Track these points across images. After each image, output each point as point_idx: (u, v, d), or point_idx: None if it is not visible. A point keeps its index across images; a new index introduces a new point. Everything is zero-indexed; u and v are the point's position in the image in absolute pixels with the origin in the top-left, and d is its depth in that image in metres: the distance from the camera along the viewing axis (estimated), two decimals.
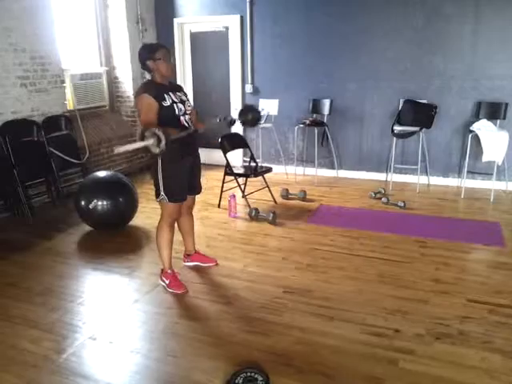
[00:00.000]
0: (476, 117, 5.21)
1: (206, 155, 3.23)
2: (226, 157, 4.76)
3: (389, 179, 5.61)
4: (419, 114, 5.26)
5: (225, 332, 2.66)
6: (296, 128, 5.92)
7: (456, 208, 4.83)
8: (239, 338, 2.58)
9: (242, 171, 5.01)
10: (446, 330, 2.60)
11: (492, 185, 5.01)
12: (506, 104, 5.06)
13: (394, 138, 5.45)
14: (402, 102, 5.44)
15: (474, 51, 5.13)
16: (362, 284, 3.17)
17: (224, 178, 4.85)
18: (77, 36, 5.79)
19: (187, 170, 3.07)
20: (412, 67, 5.42)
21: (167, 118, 2.84)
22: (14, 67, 4.68)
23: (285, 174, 6.11)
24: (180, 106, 2.94)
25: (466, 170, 5.17)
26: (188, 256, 3.50)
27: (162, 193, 2.98)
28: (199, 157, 3.21)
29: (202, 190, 3.36)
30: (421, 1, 5.21)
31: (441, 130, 5.42)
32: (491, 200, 4.92)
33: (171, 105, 2.88)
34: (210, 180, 5.48)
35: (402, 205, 4.72)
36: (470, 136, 5.06)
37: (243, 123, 3.33)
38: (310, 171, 6.07)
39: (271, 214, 4.37)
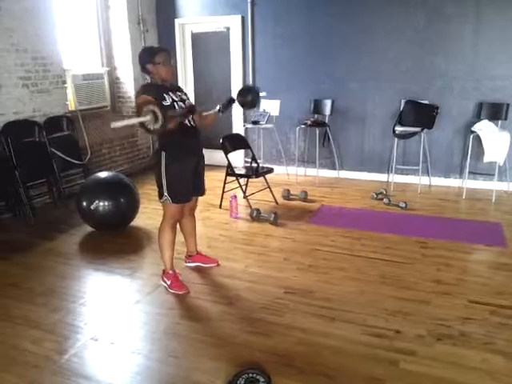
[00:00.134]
0: (477, 117, 5.20)
1: (208, 156, 3.23)
2: (227, 157, 4.77)
3: (390, 180, 5.61)
4: (421, 115, 5.26)
5: (226, 333, 2.66)
6: (297, 128, 5.92)
7: (457, 209, 4.83)
8: (241, 339, 2.58)
9: (243, 172, 5.00)
10: (447, 331, 2.60)
11: (493, 185, 5.01)
12: (508, 104, 5.06)
13: (396, 139, 5.45)
14: (403, 102, 5.44)
15: (475, 52, 5.13)
16: (363, 285, 3.17)
17: (225, 179, 4.85)
18: (78, 37, 5.80)
19: (191, 170, 3.07)
20: (413, 68, 5.41)
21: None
22: (16, 68, 4.69)
23: (286, 174, 6.11)
24: (180, 104, 2.94)
25: (467, 170, 5.16)
26: (189, 257, 3.51)
27: (166, 193, 2.98)
28: (203, 157, 3.19)
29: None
30: (422, 1, 5.21)
31: (442, 130, 5.41)
32: (493, 200, 4.92)
33: (171, 104, 2.88)
34: (211, 181, 5.45)
35: (404, 205, 4.72)
36: (471, 136, 5.06)
37: (242, 104, 3.22)
38: (312, 172, 6.07)
39: (272, 215, 4.37)
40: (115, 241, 4.06)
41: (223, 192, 4.88)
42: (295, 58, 5.93)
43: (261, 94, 3.25)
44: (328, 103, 5.79)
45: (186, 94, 3.08)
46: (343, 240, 3.95)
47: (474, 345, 2.48)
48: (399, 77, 5.50)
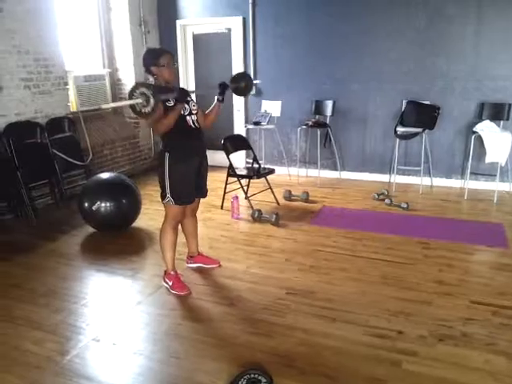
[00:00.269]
0: (479, 118, 5.20)
1: (209, 156, 3.23)
2: (228, 158, 4.77)
3: (392, 180, 5.60)
4: (422, 115, 5.26)
5: (228, 333, 2.66)
6: (299, 129, 5.92)
7: (459, 209, 4.82)
8: (242, 340, 2.58)
9: (244, 173, 5.00)
10: (449, 332, 2.59)
11: (495, 186, 5.00)
12: (510, 105, 5.05)
13: (397, 139, 5.45)
14: (404, 103, 5.44)
15: (476, 52, 5.12)
16: (365, 285, 3.17)
17: (227, 180, 4.85)
18: (80, 38, 5.81)
19: (194, 171, 3.07)
20: (415, 68, 5.41)
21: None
22: (18, 69, 4.70)
23: (287, 175, 6.10)
24: (185, 105, 2.95)
25: (469, 171, 5.15)
26: (191, 257, 3.51)
27: (169, 195, 2.99)
28: (207, 158, 3.20)
29: None
30: (423, 2, 5.21)
31: (444, 131, 5.41)
32: (494, 201, 4.91)
33: (175, 105, 2.89)
34: (212, 181, 5.44)
35: (405, 206, 4.71)
36: (473, 137, 5.05)
37: (235, 90, 3.23)
38: (313, 172, 6.07)
39: (274, 216, 4.37)
40: (117, 242, 4.07)
41: (225, 193, 4.88)
42: (296, 59, 5.93)
43: (255, 82, 3.25)
44: (329, 104, 5.79)
45: (190, 96, 3.09)
46: (345, 241, 3.95)
47: (476, 345, 2.47)
48: (401, 77, 5.50)
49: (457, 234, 4.07)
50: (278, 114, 5.98)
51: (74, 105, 5.53)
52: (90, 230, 4.28)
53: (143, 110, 2.54)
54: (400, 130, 5.37)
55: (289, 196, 5.16)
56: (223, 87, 3.11)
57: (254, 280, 3.28)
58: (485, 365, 2.32)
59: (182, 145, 2.96)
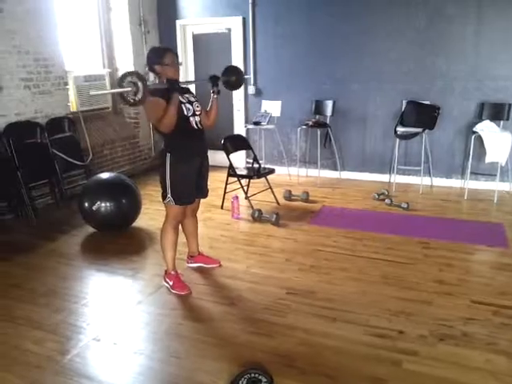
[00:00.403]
0: (479, 118, 5.20)
1: (210, 156, 3.23)
2: (229, 158, 4.77)
3: (392, 180, 5.61)
4: (422, 115, 5.26)
5: (228, 333, 2.66)
6: (299, 129, 5.92)
7: (459, 209, 4.82)
8: (243, 339, 2.58)
9: (244, 172, 5.01)
10: (449, 332, 2.59)
11: (495, 186, 5.00)
12: (510, 105, 5.05)
13: (397, 139, 5.45)
14: (404, 103, 5.44)
15: (476, 52, 5.13)
16: (365, 285, 3.17)
17: (227, 180, 4.85)
18: (80, 38, 5.81)
19: (195, 171, 3.07)
20: (415, 68, 5.41)
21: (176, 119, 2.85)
22: (18, 69, 4.70)
23: (287, 175, 6.10)
24: (188, 106, 2.95)
25: (469, 171, 5.15)
26: (191, 257, 3.51)
27: (169, 195, 2.99)
28: (208, 158, 3.20)
29: None
30: (423, 2, 5.21)
31: (444, 131, 5.41)
32: (495, 201, 4.91)
33: (179, 105, 2.89)
34: (213, 181, 5.44)
35: (406, 206, 4.71)
36: (473, 137, 5.06)
37: (225, 84, 3.25)
38: (313, 172, 6.07)
39: (274, 216, 4.37)
40: (117, 242, 4.06)
41: (225, 193, 4.88)
42: (296, 59, 5.94)
43: (245, 77, 3.29)
44: (329, 104, 5.79)
45: (194, 96, 3.08)
46: (345, 240, 3.95)
47: (476, 345, 2.47)
48: (400, 77, 5.50)
49: (457, 233, 4.07)
50: (278, 114, 5.98)
51: (73, 105, 5.53)
52: (90, 229, 4.28)
53: (132, 99, 2.55)
54: (400, 129, 5.37)
55: (289, 196, 5.16)
56: (214, 79, 3.12)
57: (255, 280, 3.28)
58: (485, 364, 2.32)
59: (183, 145, 2.96)
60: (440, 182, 5.58)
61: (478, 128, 5.04)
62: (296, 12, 5.79)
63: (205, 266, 3.49)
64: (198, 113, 3.02)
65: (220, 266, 3.50)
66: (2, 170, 4.46)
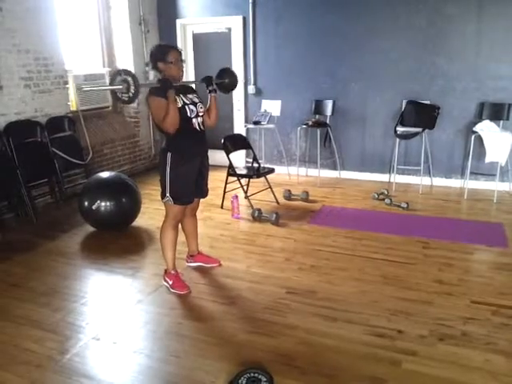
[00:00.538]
0: (479, 117, 5.20)
1: (210, 156, 3.23)
2: (228, 158, 4.77)
3: (391, 180, 5.61)
4: (422, 115, 5.26)
5: (228, 332, 2.66)
6: (298, 129, 5.92)
7: (459, 209, 4.82)
8: (242, 339, 2.58)
9: (244, 172, 5.00)
10: (449, 331, 2.60)
11: (495, 186, 5.00)
12: (510, 105, 5.05)
13: (397, 139, 5.45)
14: (404, 102, 5.44)
15: (477, 52, 5.13)
16: (365, 285, 3.17)
17: (227, 179, 4.85)
18: (80, 37, 5.80)
19: (196, 171, 3.07)
20: (415, 68, 5.41)
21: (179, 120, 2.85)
22: (18, 68, 4.70)
23: (287, 174, 6.11)
24: (192, 107, 2.95)
25: (468, 170, 5.15)
26: (191, 257, 3.51)
27: (168, 194, 2.99)
28: (208, 157, 3.20)
29: None
30: (423, 1, 5.21)
31: (444, 130, 5.41)
32: (494, 201, 4.91)
33: (183, 106, 2.89)
34: (212, 181, 5.44)
35: (405, 206, 4.71)
36: (472, 137, 5.06)
37: (219, 86, 3.26)
38: (313, 172, 6.07)
39: (274, 215, 4.37)
40: (117, 241, 4.06)
41: (224, 192, 4.88)
42: (296, 59, 5.93)
43: (238, 80, 3.32)
44: (329, 103, 5.79)
45: (198, 97, 3.07)
46: (345, 240, 3.95)
47: (476, 345, 2.47)
48: (400, 77, 5.50)
49: (457, 233, 4.08)
50: (278, 114, 5.98)
51: (73, 104, 5.53)
52: (90, 229, 4.28)
53: (123, 97, 2.57)
54: (400, 129, 5.37)
55: (289, 195, 5.16)
56: (208, 80, 3.13)
57: (255, 279, 3.28)
58: (485, 364, 2.32)
59: (184, 146, 2.95)
60: (440, 181, 5.58)
61: (478, 128, 5.04)
62: (296, 12, 5.78)
63: (204, 265, 3.49)
64: (200, 114, 3.02)
65: (220, 265, 3.51)
66: (2, 169, 4.46)
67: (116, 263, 3.61)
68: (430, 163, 5.53)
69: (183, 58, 3.06)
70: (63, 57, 5.23)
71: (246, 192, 4.87)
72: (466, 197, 5.07)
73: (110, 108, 6.27)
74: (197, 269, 3.46)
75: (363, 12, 5.49)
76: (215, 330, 2.70)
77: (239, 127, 6.45)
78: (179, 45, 6.51)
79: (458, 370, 2.29)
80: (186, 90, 3.05)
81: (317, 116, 5.89)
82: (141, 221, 4.42)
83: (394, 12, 5.36)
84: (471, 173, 5.20)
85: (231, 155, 4.82)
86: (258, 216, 4.45)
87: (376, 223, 4.40)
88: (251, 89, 6.26)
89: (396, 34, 5.41)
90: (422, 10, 5.23)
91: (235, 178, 4.82)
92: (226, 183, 4.86)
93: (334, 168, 6.06)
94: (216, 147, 5.02)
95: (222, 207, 4.86)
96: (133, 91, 2.56)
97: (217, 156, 5.45)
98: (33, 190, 4.82)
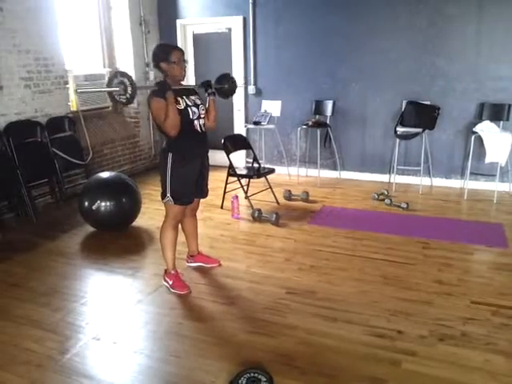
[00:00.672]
0: (479, 118, 5.20)
1: (210, 156, 3.24)
2: (228, 158, 4.77)
3: (391, 180, 5.61)
4: (422, 116, 5.26)
5: (228, 332, 2.66)
6: (299, 129, 5.92)
7: (459, 209, 4.83)
8: (242, 339, 2.59)
9: (244, 172, 5.01)
10: (449, 332, 2.60)
11: (495, 186, 5.00)
12: (510, 105, 5.05)
13: (397, 140, 5.45)
14: (404, 103, 5.44)
15: (477, 52, 5.13)
16: (365, 285, 3.17)
17: (227, 179, 4.86)
18: (80, 37, 5.81)
19: (196, 172, 3.08)
20: (415, 68, 5.41)
21: (180, 122, 2.85)
22: (18, 68, 4.70)
23: (287, 175, 6.11)
24: (194, 109, 2.95)
25: (468, 171, 5.15)
26: (191, 257, 3.51)
27: (168, 195, 2.99)
28: (208, 158, 3.21)
29: None
30: (424, 1, 5.21)
31: (444, 131, 5.41)
32: (494, 201, 4.91)
33: (185, 108, 2.89)
34: (213, 181, 5.44)
35: (405, 206, 4.71)
36: (472, 137, 5.06)
37: (218, 91, 3.25)
38: (313, 172, 6.07)
39: (274, 215, 4.37)
40: (117, 241, 4.07)
41: (225, 192, 4.88)
42: (296, 59, 5.94)
43: (237, 86, 3.33)
44: (329, 104, 5.80)
45: (200, 99, 3.08)
46: (345, 241, 3.95)
47: (475, 345, 2.47)
48: (400, 77, 5.50)
49: (457, 234, 4.08)
50: (278, 114, 5.99)
51: (74, 104, 5.53)
52: (90, 229, 4.29)
53: (121, 99, 2.59)
54: (400, 130, 5.37)
55: (289, 196, 5.16)
56: (206, 84, 3.11)
57: (255, 279, 3.28)
58: (484, 364, 2.32)
59: (185, 147, 2.95)
60: (440, 182, 5.58)
61: (478, 128, 5.04)
62: (296, 12, 5.79)
63: (204, 265, 3.49)
64: (202, 116, 3.02)
65: (220, 265, 3.51)
66: (2, 169, 4.46)
67: (116, 263, 3.62)
68: (430, 163, 5.53)
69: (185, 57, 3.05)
70: (63, 57, 5.23)
71: (246, 192, 4.87)
72: (465, 197, 5.07)
73: (110, 108, 6.27)
74: (197, 269, 3.46)
75: (363, 12, 5.49)
76: (215, 330, 2.70)
77: (239, 127, 6.45)
78: (179, 45, 6.51)
79: (457, 370, 2.29)
80: (188, 91, 3.05)
81: (317, 116, 5.89)
82: (141, 221, 4.43)
83: (394, 12, 5.36)
84: (471, 173, 5.20)
85: (231, 155, 4.82)
86: (258, 216, 4.45)
87: (376, 223, 4.40)
88: (251, 89, 6.26)
89: (396, 34, 5.41)
90: (423, 10, 5.23)
91: (235, 179, 4.83)
92: (226, 183, 4.86)
93: (334, 168, 6.06)
94: (216, 147, 5.02)
95: (222, 207, 4.86)
96: (130, 92, 2.57)
97: (217, 156, 5.45)
98: (33, 190, 4.82)
